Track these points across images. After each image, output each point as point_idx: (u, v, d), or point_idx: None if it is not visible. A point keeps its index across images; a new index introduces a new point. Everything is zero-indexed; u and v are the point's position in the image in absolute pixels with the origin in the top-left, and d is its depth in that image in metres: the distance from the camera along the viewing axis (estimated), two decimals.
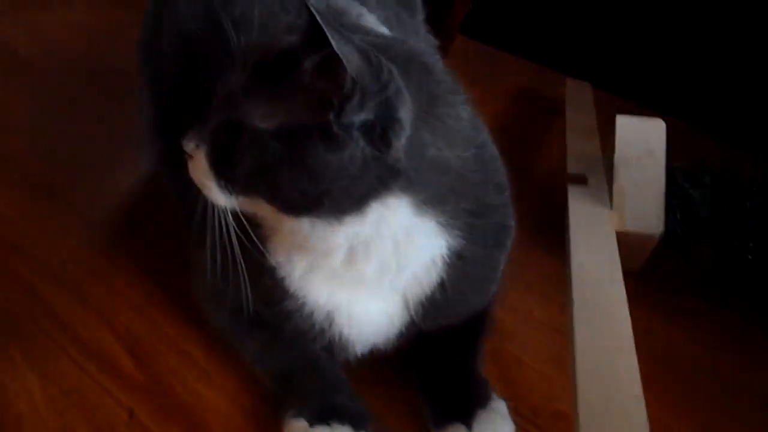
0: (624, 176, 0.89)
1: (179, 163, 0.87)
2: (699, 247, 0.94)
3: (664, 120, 0.92)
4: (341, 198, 0.59)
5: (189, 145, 0.65)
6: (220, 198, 0.64)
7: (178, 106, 0.87)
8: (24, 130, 1.13)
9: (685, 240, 0.93)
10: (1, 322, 0.78)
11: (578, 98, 1.27)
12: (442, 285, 0.70)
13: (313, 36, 0.54)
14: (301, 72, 0.56)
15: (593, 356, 0.62)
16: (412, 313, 0.72)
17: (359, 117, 0.56)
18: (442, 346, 0.75)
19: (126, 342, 0.78)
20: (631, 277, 0.92)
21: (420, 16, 0.99)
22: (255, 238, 0.66)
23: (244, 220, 0.65)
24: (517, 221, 0.75)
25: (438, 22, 1.09)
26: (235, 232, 0.65)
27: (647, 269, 0.94)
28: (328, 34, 0.51)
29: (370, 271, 0.65)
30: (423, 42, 0.96)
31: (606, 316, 0.68)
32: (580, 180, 0.96)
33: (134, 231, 0.94)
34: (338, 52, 0.52)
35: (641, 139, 0.90)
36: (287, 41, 0.60)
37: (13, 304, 0.81)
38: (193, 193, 0.86)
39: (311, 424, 0.66)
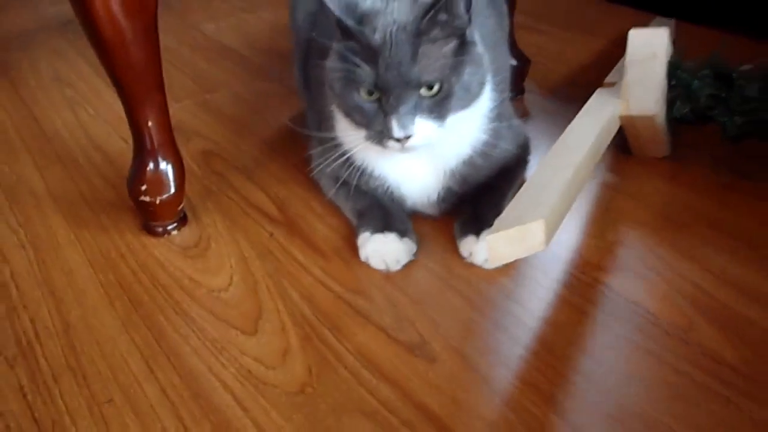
0: (631, 74, 1.13)
1: (309, 94, 1.28)
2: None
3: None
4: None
5: (406, 131, 0.90)
6: (432, 135, 0.93)
7: (308, 58, 1.28)
8: (228, 91, 1.63)
9: (694, 121, 1.14)
10: (204, 194, 1.24)
11: None
12: (470, 159, 1.04)
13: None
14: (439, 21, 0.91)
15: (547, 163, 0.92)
16: (449, 179, 1.05)
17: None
18: (475, 193, 1.07)
19: (275, 201, 1.20)
20: (666, 159, 1.17)
21: None
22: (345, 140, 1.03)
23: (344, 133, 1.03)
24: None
25: None
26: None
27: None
28: None
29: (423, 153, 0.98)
30: None
31: (570, 149, 0.96)
32: (610, 85, 1.22)
33: (286, 142, 1.38)
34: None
35: (647, 45, 1.13)
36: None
37: (212, 183, 1.27)
38: (314, 118, 1.25)
39: (372, 233, 1.03)
